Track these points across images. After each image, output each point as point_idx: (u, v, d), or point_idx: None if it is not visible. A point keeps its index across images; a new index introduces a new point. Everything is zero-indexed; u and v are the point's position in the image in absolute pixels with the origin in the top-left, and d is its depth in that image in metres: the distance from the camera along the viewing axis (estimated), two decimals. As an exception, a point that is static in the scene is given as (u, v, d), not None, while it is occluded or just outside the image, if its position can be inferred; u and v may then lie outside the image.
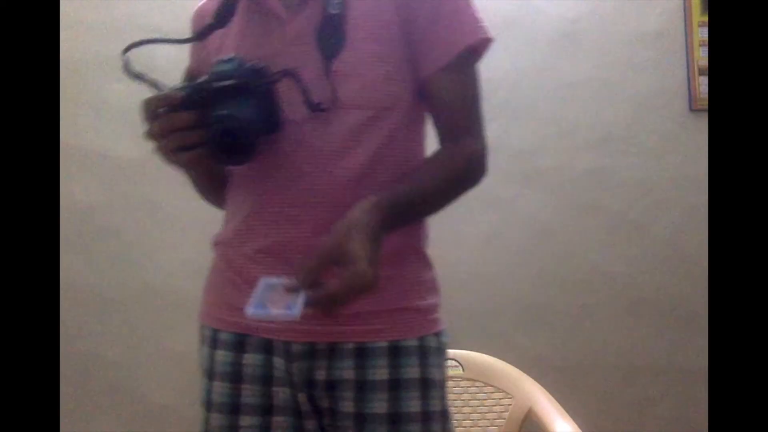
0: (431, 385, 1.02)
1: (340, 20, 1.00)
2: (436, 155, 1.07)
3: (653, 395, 2.33)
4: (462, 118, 1.06)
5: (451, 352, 2.01)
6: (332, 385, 0.99)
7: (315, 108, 0.97)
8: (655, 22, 2.45)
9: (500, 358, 1.97)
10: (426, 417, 1.00)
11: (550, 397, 1.85)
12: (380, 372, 0.98)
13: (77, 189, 2.23)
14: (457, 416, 1.89)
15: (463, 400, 1.91)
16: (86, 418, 2.19)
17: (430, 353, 1.03)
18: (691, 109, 2.42)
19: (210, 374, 1.06)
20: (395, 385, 0.99)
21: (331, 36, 1.00)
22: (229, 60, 0.96)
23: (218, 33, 1.08)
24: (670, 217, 2.40)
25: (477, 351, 1.99)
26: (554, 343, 2.33)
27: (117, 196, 2.27)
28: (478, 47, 1.06)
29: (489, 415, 1.89)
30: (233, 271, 1.06)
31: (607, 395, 2.31)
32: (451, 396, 1.90)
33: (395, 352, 1.00)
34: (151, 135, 0.93)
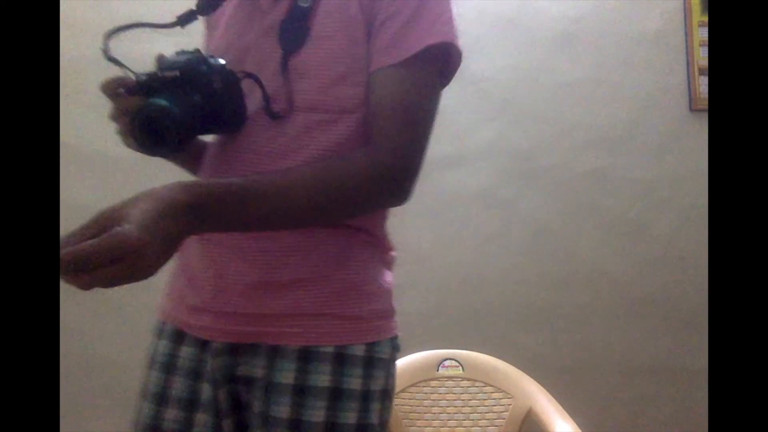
0: (345, 396, 0.95)
1: (306, 14, 0.95)
2: (332, 158, 0.94)
3: (653, 395, 2.33)
4: (387, 123, 0.92)
5: (451, 352, 2.03)
6: (249, 381, 0.97)
7: (273, 116, 0.94)
8: (655, 22, 2.45)
9: (500, 358, 1.97)
10: (331, 429, 0.93)
11: (550, 397, 1.85)
12: (286, 375, 0.94)
13: (77, 189, 2.23)
14: (457, 416, 1.90)
15: (463, 400, 1.91)
16: (86, 418, 2.19)
17: (349, 362, 0.96)
18: (691, 109, 2.43)
19: (150, 364, 1.06)
20: (300, 391, 0.94)
21: (294, 30, 0.95)
22: (188, 52, 0.94)
23: (220, 21, 1.06)
24: (670, 217, 2.40)
25: (477, 351, 1.99)
26: (554, 343, 2.33)
27: (117, 196, 2.27)
28: (439, 51, 0.95)
29: (489, 415, 1.89)
30: (182, 263, 1.06)
31: (607, 395, 2.31)
32: (450, 396, 1.91)
33: (305, 357, 0.95)
34: (109, 116, 0.94)
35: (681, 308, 2.35)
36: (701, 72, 2.42)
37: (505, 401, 1.89)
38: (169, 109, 0.87)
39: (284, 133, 0.95)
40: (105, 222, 0.70)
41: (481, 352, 1.98)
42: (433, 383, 1.93)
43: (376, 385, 0.98)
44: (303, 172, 0.89)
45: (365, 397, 0.97)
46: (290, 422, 0.93)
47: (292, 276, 0.96)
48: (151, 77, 0.93)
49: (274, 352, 0.96)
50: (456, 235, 2.36)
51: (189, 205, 0.77)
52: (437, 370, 1.94)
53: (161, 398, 1.01)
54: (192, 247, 1.02)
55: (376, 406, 0.98)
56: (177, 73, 0.91)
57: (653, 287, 2.37)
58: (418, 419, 1.88)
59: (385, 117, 0.93)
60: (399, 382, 1.89)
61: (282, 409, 0.93)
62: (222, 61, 0.94)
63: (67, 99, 2.05)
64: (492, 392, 1.91)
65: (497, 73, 2.42)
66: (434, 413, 1.90)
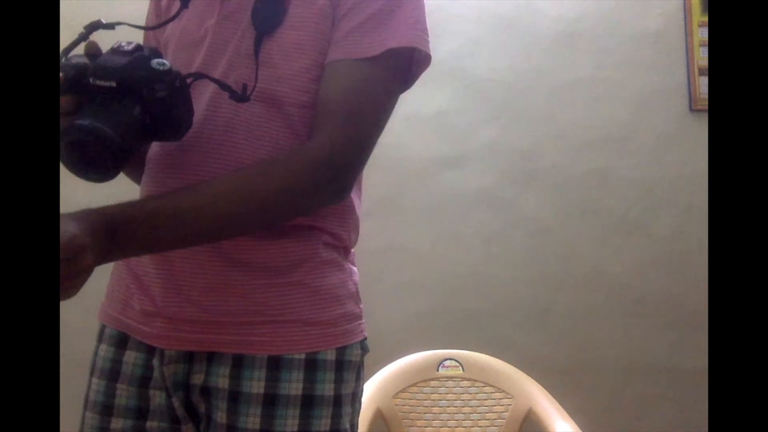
0: (317, 403, 0.92)
1: None
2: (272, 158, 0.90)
3: (653, 395, 2.33)
4: (329, 117, 0.87)
5: (451, 352, 2.04)
6: (208, 391, 0.92)
7: (240, 99, 0.87)
8: (655, 22, 2.45)
9: (500, 358, 1.97)
10: None
11: (550, 397, 1.85)
12: (255, 385, 0.90)
13: (77, 189, 2.23)
14: (457, 416, 1.90)
15: (463, 400, 1.91)
16: (86, 418, 2.19)
17: (321, 368, 0.93)
18: (691, 109, 2.43)
19: (92, 370, 1.01)
20: (271, 401, 0.90)
21: (269, 11, 0.91)
22: (126, 51, 0.81)
23: (173, 6, 1.00)
24: (670, 217, 2.40)
25: (477, 351, 1.99)
26: (554, 343, 2.33)
27: (117, 196, 2.27)
28: (402, 55, 0.92)
29: (489, 415, 1.89)
30: (124, 265, 1.02)
31: (607, 395, 2.31)
32: (451, 396, 1.92)
33: (275, 365, 0.91)
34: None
35: (681, 308, 2.35)
36: (701, 72, 2.42)
37: (505, 401, 1.89)
38: (100, 131, 0.75)
39: (235, 126, 0.90)
40: None
41: (481, 352, 1.98)
42: (433, 383, 1.93)
43: (347, 388, 0.96)
44: (218, 185, 0.84)
45: (337, 402, 0.94)
46: None
47: (254, 280, 0.92)
48: (82, 86, 0.79)
49: (239, 361, 0.91)
50: (456, 235, 2.36)
51: (106, 229, 0.75)
52: (437, 370, 1.94)
53: (106, 407, 0.96)
54: None
55: (347, 411, 0.96)
56: (113, 83, 0.78)
57: (653, 287, 2.37)
58: (418, 419, 1.88)
59: (329, 111, 0.88)
60: (399, 382, 1.90)
61: (252, 420, 0.89)
62: (167, 63, 0.81)
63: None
64: (492, 392, 1.91)
65: (497, 74, 2.42)
66: (434, 413, 1.90)
